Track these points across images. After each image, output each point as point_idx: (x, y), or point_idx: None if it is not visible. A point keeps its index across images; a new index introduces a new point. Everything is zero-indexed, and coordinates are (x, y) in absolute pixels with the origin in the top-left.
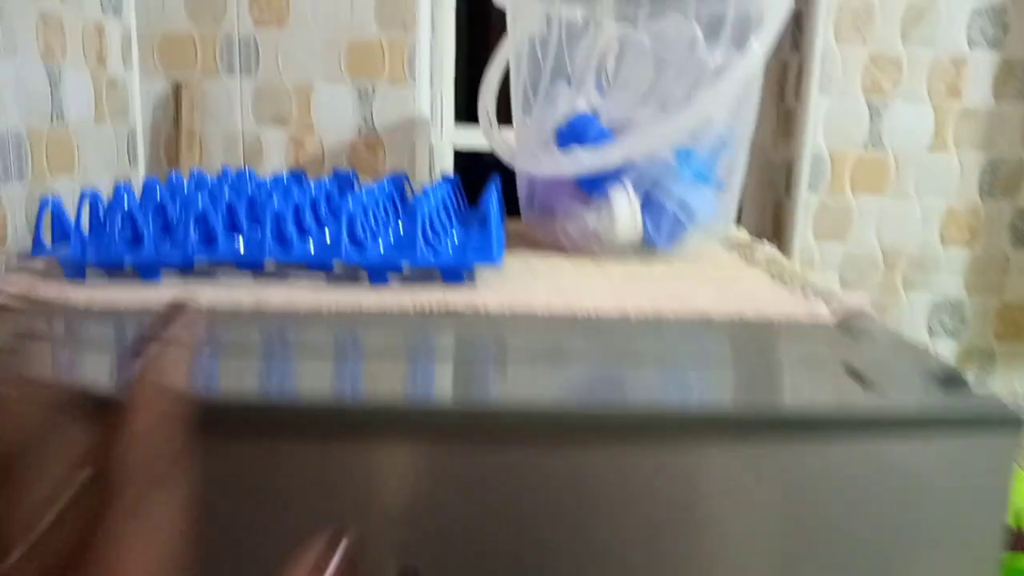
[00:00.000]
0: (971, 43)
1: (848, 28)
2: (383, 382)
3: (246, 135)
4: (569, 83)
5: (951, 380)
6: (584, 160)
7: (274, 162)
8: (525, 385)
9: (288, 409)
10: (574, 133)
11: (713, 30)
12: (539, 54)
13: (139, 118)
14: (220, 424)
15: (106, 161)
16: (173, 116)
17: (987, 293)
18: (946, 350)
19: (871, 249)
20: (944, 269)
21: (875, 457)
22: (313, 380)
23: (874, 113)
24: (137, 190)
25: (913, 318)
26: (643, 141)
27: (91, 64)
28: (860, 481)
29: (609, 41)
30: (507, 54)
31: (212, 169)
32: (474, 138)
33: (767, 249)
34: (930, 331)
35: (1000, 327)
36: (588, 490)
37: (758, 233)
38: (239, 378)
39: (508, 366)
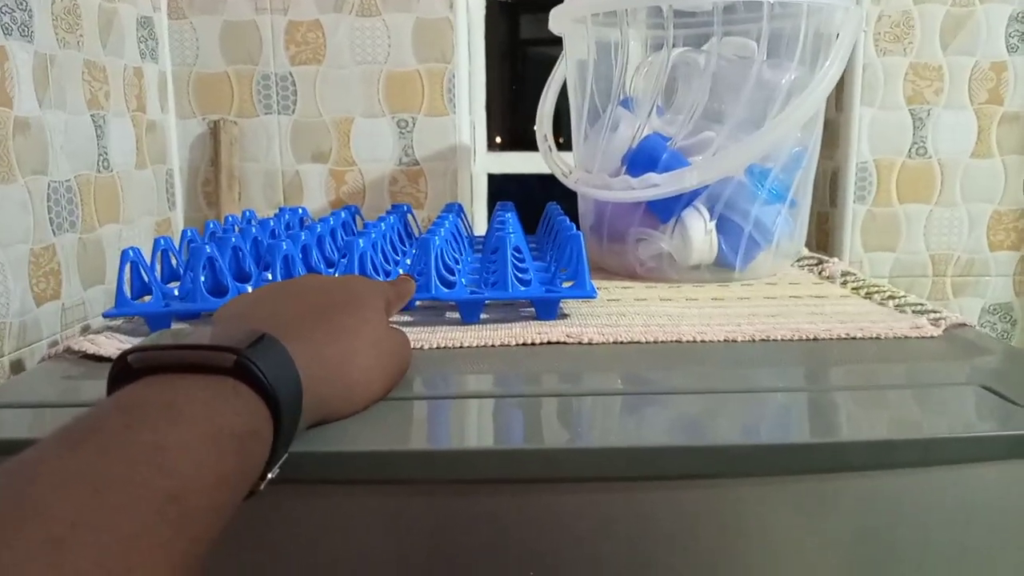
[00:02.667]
0: (1010, 48)
1: (888, 39)
2: (549, 425)
3: (285, 172)
4: (628, 107)
5: None
6: (661, 185)
7: (315, 197)
8: (667, 421)
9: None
10: (644, 157)
11: (773, 49)
12: (596, 80)
13: (176, 160)
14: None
15: (147, 205)
16: (211, 156)
17: None
18: None
19: (920, 256)
20: (993, 273)
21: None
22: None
23: (917, 122)
24: (176, 234)
25: None
26: (721, 164)
27: (131, 110)
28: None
29: (669, 63)
30: (560, 80)
31: (252, 207)
32: (505, 164)
33: (838, 264)
34: None
35: None
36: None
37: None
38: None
39: (639, 400)
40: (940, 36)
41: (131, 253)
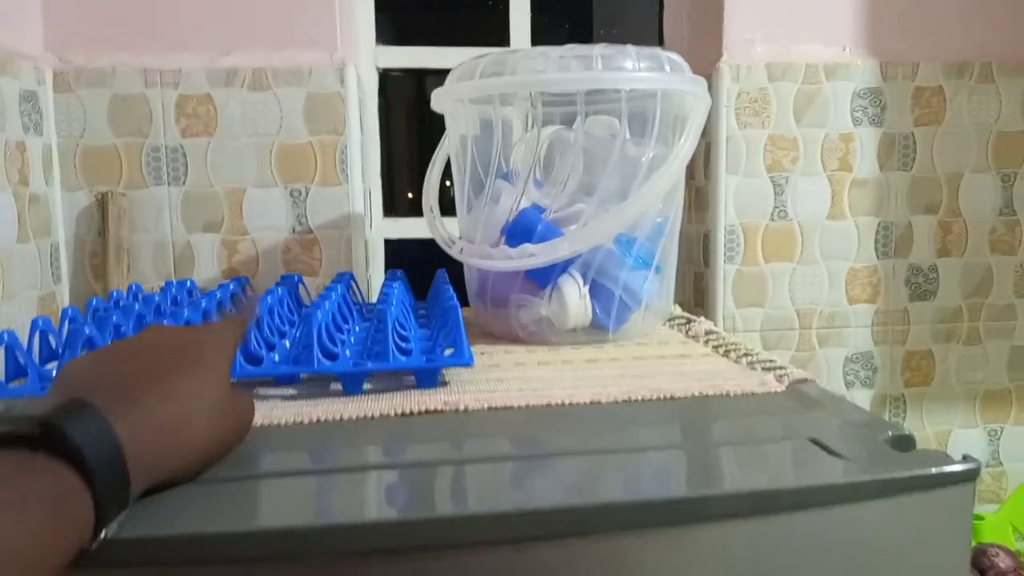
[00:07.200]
0: (856, 121)
1: (748, 114)
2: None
3: (176, 243)
4: (510, 180)
5: (902, 442)
6: (537, 255)
7: (206, 267)
8: (518, 487)
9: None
10: (521, 228)
11: (639, 128)
12: (478, 154)
13: (61, 233)
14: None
15: (30, 279)
16: (99, 228)
17: (892, 343)
18: (862, 398)
19: (787, 311)
20: (853, 324)
21: (849, 524)
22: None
23: (777, 188)
24: (59, 312)
25: (830, 371)
26: (591, 234)
27: (13, 183)
28: (840, 548)
29: (544, 140)
30: (445, 154)
31: (141, 280)
32: (402, 229)
33: (704, 323)
34: (846, 382)
35: (907, 373)
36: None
37: (682, 302)
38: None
39: (506, 467)
40: (794, 111)
41: (5, 336)
